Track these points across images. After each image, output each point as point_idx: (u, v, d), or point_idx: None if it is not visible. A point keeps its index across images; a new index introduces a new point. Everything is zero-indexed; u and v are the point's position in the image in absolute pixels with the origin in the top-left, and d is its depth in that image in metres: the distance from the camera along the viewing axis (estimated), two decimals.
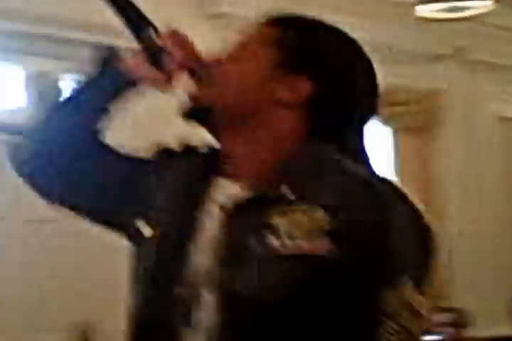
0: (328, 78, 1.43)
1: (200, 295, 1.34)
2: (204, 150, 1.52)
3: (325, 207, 1.29)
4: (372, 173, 1.41)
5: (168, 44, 1.46)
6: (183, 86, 1.47)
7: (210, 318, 1.32)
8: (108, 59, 1.53)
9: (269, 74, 1.43)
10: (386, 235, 1.29)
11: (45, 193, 1.57)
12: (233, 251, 1.33)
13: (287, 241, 1.29)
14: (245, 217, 1.35)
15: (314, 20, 1.50)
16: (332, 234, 1.27)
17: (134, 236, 1.48)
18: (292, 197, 1.33)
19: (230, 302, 1.31)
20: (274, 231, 1.30)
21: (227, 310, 1.31)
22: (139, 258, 1.47)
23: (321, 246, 1.27)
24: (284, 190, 1.34)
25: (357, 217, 1.29)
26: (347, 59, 1.46)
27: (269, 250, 1.29)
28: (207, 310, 1.33)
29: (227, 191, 1.41)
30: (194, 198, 1.43)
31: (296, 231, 1.29)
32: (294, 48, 1.44)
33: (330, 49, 1.46)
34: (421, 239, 1.34)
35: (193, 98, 1.44)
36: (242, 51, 1.46)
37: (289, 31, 1.47)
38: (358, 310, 1.28)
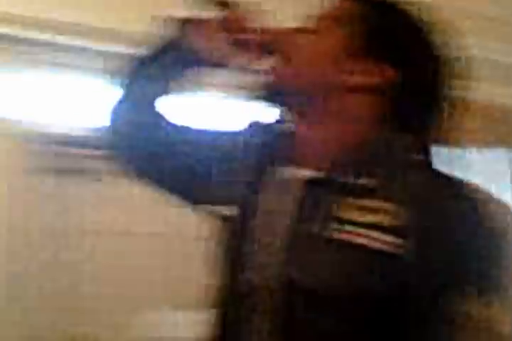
0: (412, 65, 1.34)
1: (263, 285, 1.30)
2: (279, 130, 1.45)
3: (397, 202, 1.24)
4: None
5: (242, 25, 1.43)
6: (258, 64, 1.42)
7: (263, 308, 1.29)
8: (179, 34, 1.49)
9: (346, 55, 1.34)
10: (458, 239, 1.22)
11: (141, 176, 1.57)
12: (296, 238, 1.29)
13: (353, 234, 1.24)
14: (312, 204, 1.30)
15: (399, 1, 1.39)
16: (401, 231, 1.21)
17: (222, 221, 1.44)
18: (364, 188, 1.28)
19: (285, 292, 1.27)
20: (341, 222, 1.25)
21: (281, 301, 1.27)
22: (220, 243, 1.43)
23: (388, 241, 1.21)
24: (359, 180, 1.29)
25: (430, 216, 1.22)
26: (431, 46, 1.37)
27: (333, 242, 1.24)
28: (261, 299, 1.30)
29: (296, 175, 1.36)
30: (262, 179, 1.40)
31: (364, 224, 1.24)
32: (377, 28, 1.34)
33: (415, 33, 1.36)
34: (490, 248, 1.23)
35: (267, 76, 1.37)
36: (319, 27, 1.37)
37: (373, 9, 1.37)
38: (419, 315, 1.21)
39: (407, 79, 1.33)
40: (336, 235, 1.24)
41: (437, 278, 1.20)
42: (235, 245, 1.37)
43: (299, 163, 1.37)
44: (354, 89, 1.34)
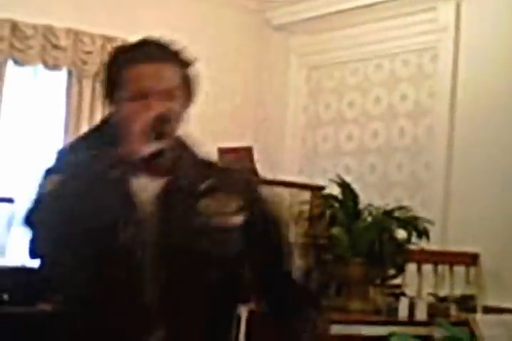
0: None
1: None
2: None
3: (237, 194, 2.00)
4: None
5: None
6: None
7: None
8: None
9: None
10: (277, 210, 2.09)
11: None
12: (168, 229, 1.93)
13: (215, 218, 1.96)
14: (176, 202, 1.95)
15: None
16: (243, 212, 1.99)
17: None
18: (205, 188, 1.98)
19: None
20: (205, 211, 1.95)
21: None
22: None
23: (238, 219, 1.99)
24: (204, 184, 1.98)
25: (260, 200, 2.06)
26: None
27: (204, 225, 1.94)
28: None
29: (151, 184, 1.94)
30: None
31: (220, 211, 1.97)
32: None
33: None
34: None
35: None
36: None
37: None
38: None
39: None
40: (207, 222, 1.96)
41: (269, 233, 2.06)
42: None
43: (151, 176, 1.96)
44: None
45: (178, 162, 1.98)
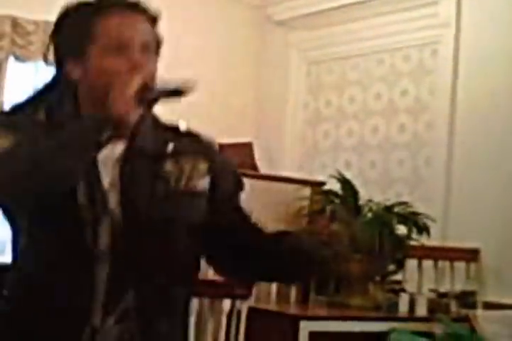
0: None
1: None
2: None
3: (203, 157, 1.95)
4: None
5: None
6: None
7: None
8: None
9: None
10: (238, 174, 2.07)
11: None
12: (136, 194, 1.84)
13: (182, 182, 1.89)
14: (142, 165, 1.86)
15: None
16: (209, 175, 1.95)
17: None
18: (170, 151, 1.90)
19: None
20: (171, 175, 1.88)
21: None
22: None
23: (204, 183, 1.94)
24: (169, 146, 1.90)
25: (223, 163, 2.02)
26: None
27: (171, 189, 1.87)
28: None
29: (114, 148, 1.84)
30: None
31: (188, 175, 1.90)
32: None
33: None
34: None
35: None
36: None
37: None
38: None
39: None
40: (174, 186, 1.89)
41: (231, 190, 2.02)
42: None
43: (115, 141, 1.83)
44: None
45: (140, 125, 1.84)
